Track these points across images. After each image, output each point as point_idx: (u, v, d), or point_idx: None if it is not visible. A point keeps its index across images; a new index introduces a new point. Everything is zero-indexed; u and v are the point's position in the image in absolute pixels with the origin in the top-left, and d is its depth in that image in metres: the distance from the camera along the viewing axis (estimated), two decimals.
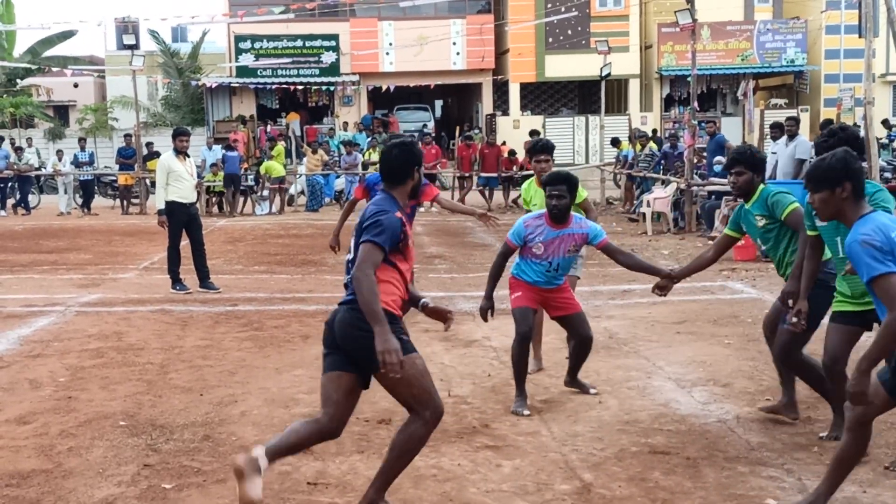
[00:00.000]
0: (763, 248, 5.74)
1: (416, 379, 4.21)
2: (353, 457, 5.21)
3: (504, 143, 26.97)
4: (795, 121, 14.55)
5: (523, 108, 33.37)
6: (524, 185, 7.61)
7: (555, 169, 6.71)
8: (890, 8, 13.55)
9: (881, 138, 23.02)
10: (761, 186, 5.63)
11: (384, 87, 33.00)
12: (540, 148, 7.34)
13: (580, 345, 6.42)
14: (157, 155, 19.63)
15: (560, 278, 6.32)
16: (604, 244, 6.18)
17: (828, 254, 5.21)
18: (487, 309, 6.18)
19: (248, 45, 32.14)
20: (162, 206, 10.96)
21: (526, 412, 6.00)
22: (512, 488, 4.74)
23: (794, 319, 5.18)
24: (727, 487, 4.71)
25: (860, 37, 13.99)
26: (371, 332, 4.01)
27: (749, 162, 5.59)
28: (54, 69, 35.57)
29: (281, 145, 24.81)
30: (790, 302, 5.29)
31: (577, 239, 6.20)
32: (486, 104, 33.54)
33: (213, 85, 32.67)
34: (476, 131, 30.47)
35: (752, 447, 5.32)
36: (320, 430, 4.27)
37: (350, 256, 4.55)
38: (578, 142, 31.96)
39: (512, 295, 6.30)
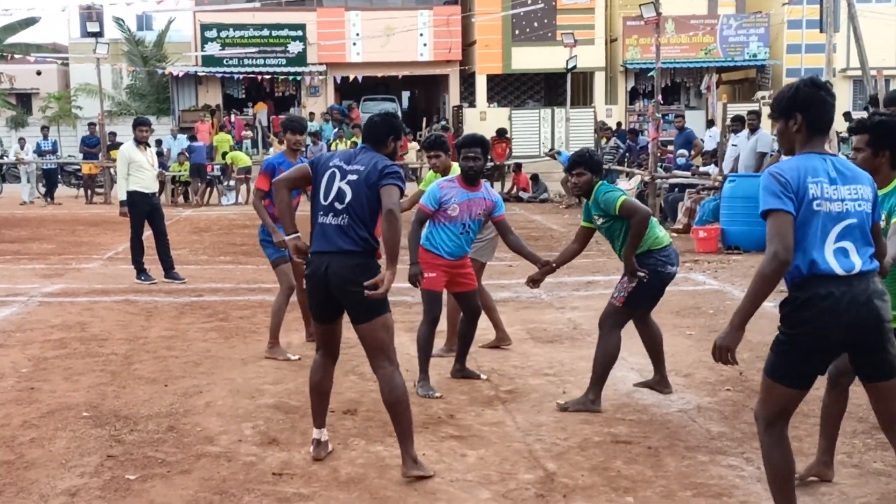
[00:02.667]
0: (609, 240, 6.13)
1: (393, 329, 4.78)
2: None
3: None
4: (757, 114, 14.70)
5: (490, 100, 33.44)
6: (426, 178, 7.78)
7: (471, 132, 7.08)
8: (850, 3, 13.75)
9: (841, 132, 23.36)
10: (598, 184, 5.97)
11: (351, 78, 32.89)
12: (430, 144, 7.46)
13: (470, 321, 6.63)
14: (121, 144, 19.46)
15: (469, 245, 6.56)
16: (502, 219, 6.53)
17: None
18: (417, 274, 6.30)
19: (214, 33, 31.89)
20: (123, 196, 10.89)
21: (437, 394, 6.19)
22: (476, 478, 4.78)
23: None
24: (688, 476, 4.78)
25: (821, 32, 14.21)
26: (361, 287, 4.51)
27: (588, 164, 5.95)
28: (17, 56, 35.03)
29: (225, 134, 24.62)
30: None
31: (487, 204, 6.48)
32: (453, 96, 33.56)
33: (179, 74, 32.38)
34: (442, 123, 30.47)
35: (713, 436, 5.40)
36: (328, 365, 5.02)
37: (333, 204, 4.71)
38: (544, 134, 32.06)
39: (425, 273, 6.38)
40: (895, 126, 4.34)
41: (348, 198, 4.65)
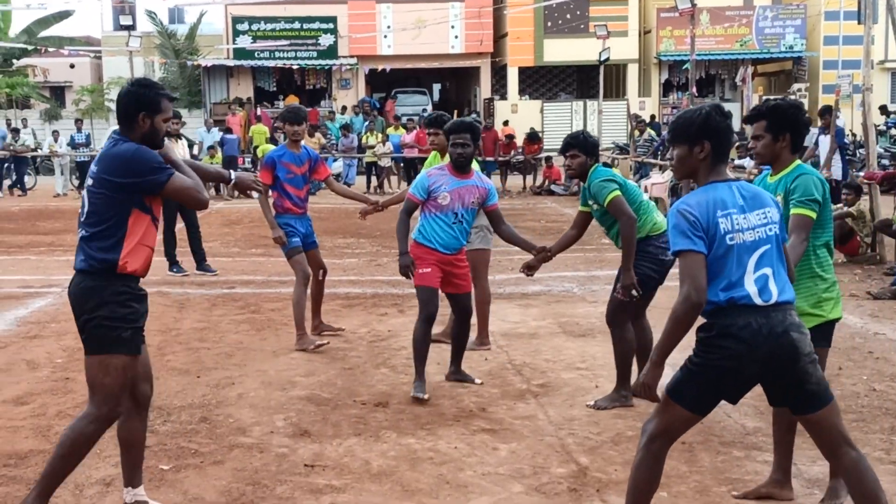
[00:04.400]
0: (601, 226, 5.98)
1: (115, 371, 3.92)
2: (351, 439, 5.23)
3: (508, 123, 26.93)
4: None
5: (521, 92, 33.29)
6: (428, 161, 7.56)
7: (460, 118, 6.75)
8: None
9: (879, 125, 23.03)
10: (594, 167, 5.84)
11: (380, 70, 32.88)
12: (431, 121, 7.37)
13: (462, 322, 6.34)
14: None
15: (464, 236, 6.25)
16: (494, 208, 6.27)
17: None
18: (408, 265, 6.03)
19: (245, 26, 32.00)
20: None
21: (424, 396, 5.90)
22: (508, 471, 4.76)
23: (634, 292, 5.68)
24: (722, 472, 4.73)
25: (859, 23, 13.94)
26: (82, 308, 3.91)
27: (582, 146, 5.82)
28: (50, 50, 35.38)
29: (262, 126, 24.65)
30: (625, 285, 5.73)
31: (480, 192, 6.20)
32: (484, 88, 33.45)
33: (210, 65, 32.55)
34: (473, 116, 30.41)
35: (748, 432, 5.34)
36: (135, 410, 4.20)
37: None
38: (576, 127, 31.83)
39: (419, 269, 6.08)
40: (790, 109, 4.24)
41: (86, 208, 3.93)
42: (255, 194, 4.97)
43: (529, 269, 6.16)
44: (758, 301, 3.47)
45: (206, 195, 4.08)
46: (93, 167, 3.96)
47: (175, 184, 3.91)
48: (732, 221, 3.49)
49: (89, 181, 3.95)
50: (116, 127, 4.04)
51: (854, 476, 3.56)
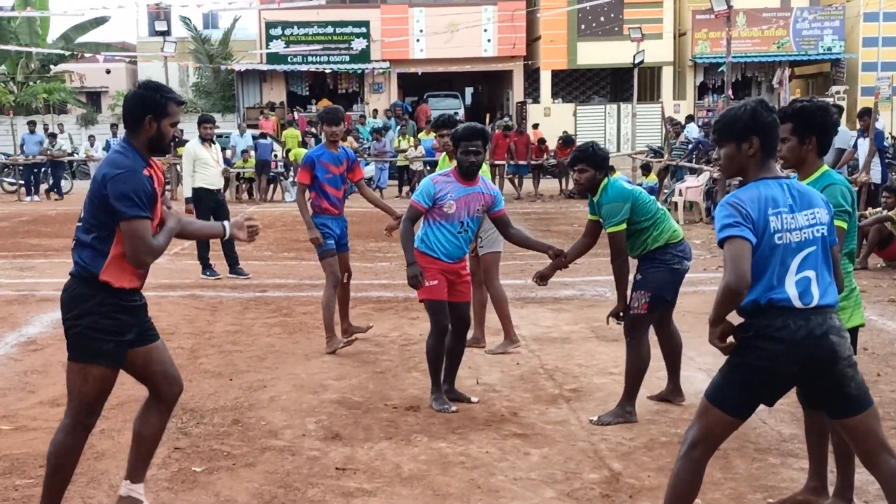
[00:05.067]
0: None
1: (94, 381, 3.89)
2: (382, 443, 5.22)
3: (538, 127, 26.88)
4: (837, 109, 14.35)
5: (554, 95, 33.18)
6: (439, 164, 7.42)
7: (470, 123, 6.42)
8: None
9: None
10: (605, 182, 5.62)
11: (412, 73, 32.93)
12: (442, 123, 7.29)
13: (459, 334, 6.03)
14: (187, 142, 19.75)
15: (467, 245, 6.03)
16: (501, 214, 6.03)
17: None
18: (417, 275, 5.75)
19: (278, 31, 32.21)
20: (189, 193, 11.05)
21: (453, 409, 5.76)
22: (540, 476, 4.72)
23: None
24: (758, 479, 4.67)
25: None
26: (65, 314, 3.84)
27: (591, 160, 5.59)
28: (87, 55, 35.85)
29: (294, 130, 24.75)
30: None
31: (486, 199, 5.95)
32: (517, 91, 33.39)
33: (243, 70, 32.81)
34: (506, 119, 30.37)
35: (784, 439, 5.27)
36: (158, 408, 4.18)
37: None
38: (610, 130, 31.75)
39: (426, 282, 5.82)
40: (817, 111, 4.11)
41: (82, 213, 3.87)
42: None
43: (542, 278, 5.89)
44: (797, 304, 3.43)
45: (150, 261, 3.83)
46: (96, 172, 3.89)
47: (133, 226, 3.71)
48: (782, 220, 3.45)
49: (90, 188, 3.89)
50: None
51: (893, 485, 3.49)
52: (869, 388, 3.60)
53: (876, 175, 12.16)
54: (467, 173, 5.87)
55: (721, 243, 3.44)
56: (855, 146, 13.81)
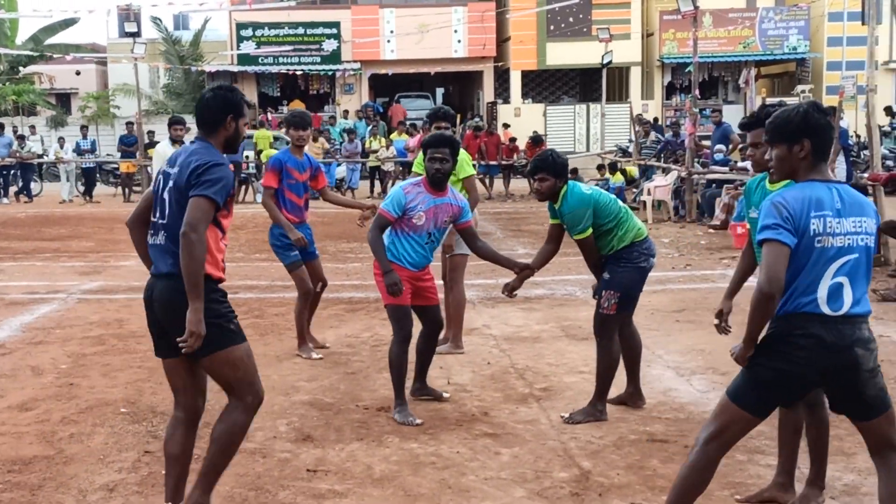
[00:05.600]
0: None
1: (241, 362, 4.00)
2: (353, 444, 5.23)
3: (508, 127, 26.97)
4: None
5: (524, 95, 33.32)
6: (419, 158, 7.20)
7: (438, 131, 6.39)
8: None
9: (883, 126, 23.00)
10: (565, 189, 5.60)
11: (383, 74, 32.93)
12: (443, 115, 7.26)
13: (430, 336, 6.05)
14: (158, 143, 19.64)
15: (432, 253, 5.99)
16: (467, 226, 6.00)
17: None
18: (397, 282, 5.65)
19: (249, 32, 32.11)
20: None
21: (418, 421, 5.59)
22: (510, 476, 4.76)
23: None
24: (725, 476, 4.72)
25: (863, 24, 13.95)
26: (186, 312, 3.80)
27: (551, 168, 5.55)
28: (56, 57, 35.49)
29: (265, 131, 24.68)
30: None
31: (454, 210, 5.92)
32: (488, 92, 33.49)
33: (214, 71, 32.66)
34: (476, 119, 30.44)
35: (751, 436, 5.27)
36: (185, 423, 4.15)
37: (157, 219, 4.03)
38: (579, 130, 31.92)
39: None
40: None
41: (167, 210, 3.94)
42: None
43: (512, 290, 5.87)
44: (826, 310, 3.44)
45: (193, 238, 3.79)
46: (175, 170, 3.92)
47: (203, 204, 3.82)
48: (825, 224, 3.43)
49: (170, 183, 3.92)
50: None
51: (890, 476, 3.59)
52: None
53: (841, 173, 12.32)
54: (434, 181, 5.83)
55: (759, 244, 3.47)
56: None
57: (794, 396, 3.63)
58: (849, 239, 3.46)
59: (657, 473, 4.75)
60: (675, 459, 4.94)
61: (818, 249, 3.44)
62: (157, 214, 4.00)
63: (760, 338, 3.58)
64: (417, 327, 5.99)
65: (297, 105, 33.01)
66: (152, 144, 22.79)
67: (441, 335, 6.54)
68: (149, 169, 22.19)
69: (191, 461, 4.18)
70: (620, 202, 5.82)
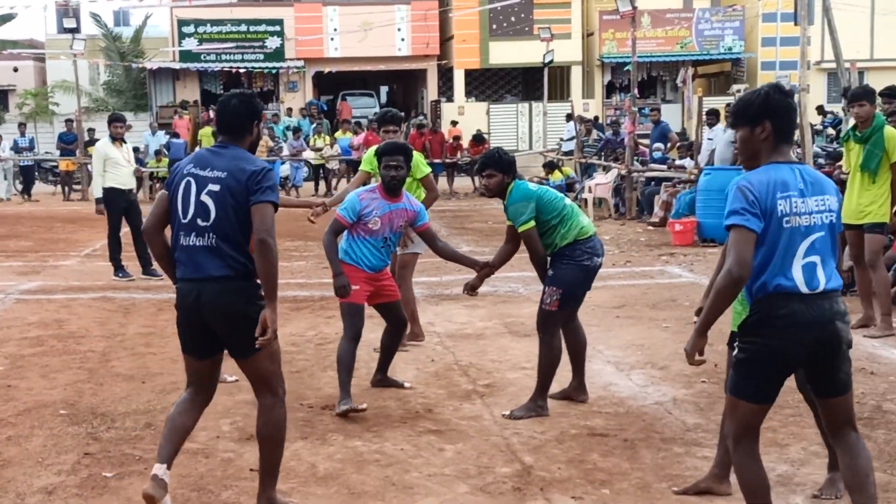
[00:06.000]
0: None
1: (277, 355, 4.24)
2: (297, 443, 5.24)
3: (456, 124, 27.06)
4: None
5: (468, 94, 33.39)
6: (366, 155, 7.48)
7: (392, 139, 6.63)
8: None
9: (816, 125, 23.52)
10: (512, 185, 5.76)
11: (327, 72, 32.75)
12: (390, 118, 7.34)
13: (394, 332, 6.27)
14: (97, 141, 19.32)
15: (389, 256, 6.22)
16: (426, 227, 6.21)
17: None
18: (345, 285, 5.82)
19: (191, 29, 31.68)
20: (99, 193, 10.88)
21: (362, 406, 5.74)
22: (454, 472, 4.81)
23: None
24: (663, 468, 4.83)
25: (795, 24, 14.30)
26: (241, 312, 4.05)
27: (498, 165, 5.74)
28: None
29: (209, 128, 24.45)
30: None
31: (409, 215, 6.13)
32: (431, 90, 33.49)
33: (155, 68, 32.21)
34: (421, 118, 30.46)
35: (688, 428, 5.46)
36: (199, 406, 4.38)
37: (186, 220, 4.10)
38: (522, 128, 32.10)
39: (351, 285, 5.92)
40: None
41: (213, 213, 4.03)
42: None
43: (472, 289, 6.07)
44: (803, 289, 3.51)
45: (270, 242, 4.01)
46: (218, 175, 4.03)
47: (269, 210, 4.04)
48: (791, 204, 3.50)
49: (214, 187, 4.02)
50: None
51: (851, 452, 3.67)
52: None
53: None
54: (389, 188, 6.02)
55: (727, 228, 3.53)
56: None
57: (785, 376, 3.66)
58: (814, 218, 3.54)
59: (597, 467, 4.84)
60: (614, 453, 5.04)
61: (787, 230, 3.51)
62: (191, 216, 4.07)
63: (740, 325, 3.64)
64: (376, 326, 6.02)
65: None
66: (92, 142, 22.38)
67: (407, 330, 6.72)
68: (89, 167, 21.84)
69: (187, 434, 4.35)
70: (567, 200, 5.92)
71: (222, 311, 4.06)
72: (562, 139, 25.23)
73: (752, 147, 3.67)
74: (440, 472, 4.80)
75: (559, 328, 5.82)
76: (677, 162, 16.43)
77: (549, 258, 5.80)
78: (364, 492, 4.55)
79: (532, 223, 5.64)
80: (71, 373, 6.76)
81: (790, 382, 5.31)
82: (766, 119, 3.59)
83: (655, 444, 5.19)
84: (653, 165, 16.87)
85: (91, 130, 23.97)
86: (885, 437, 5.20)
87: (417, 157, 7.13)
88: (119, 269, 10.87)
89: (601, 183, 17.62)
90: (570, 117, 25.07)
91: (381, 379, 6.37)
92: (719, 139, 14.12)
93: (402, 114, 7.36)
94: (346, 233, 6.04)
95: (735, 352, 3.67)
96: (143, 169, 21.47)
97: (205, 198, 4.03)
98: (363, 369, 6.49)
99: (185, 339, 4.25)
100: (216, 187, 4.02)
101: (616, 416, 5.70)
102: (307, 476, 4.75)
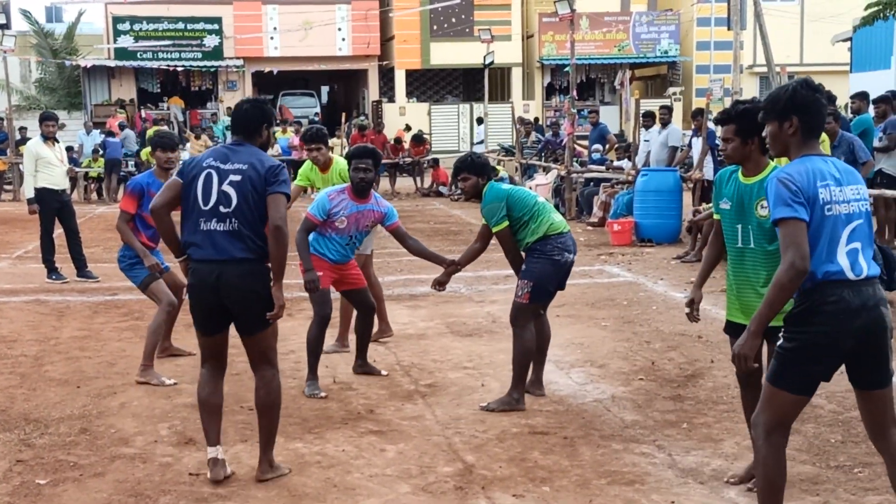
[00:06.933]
0: None
1: (277, 330, 4.73)
2: (237, 446, 5.19)
3: (408, 128, 27.09)
4: (668, 109, 15.03)
5: (409, 94, 33.41)
6: (302, 170, 7.88)
7: (362, 144, 7.01)
8: (756, 2, 14.16)
9: None
10: (487, 187, 6.00)
11: (267, 71, 32.48)
12: (315, 136, 7.57)
13: (365, 317, 6.65)
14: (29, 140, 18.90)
15: (353, 252, 6.61)
16: (396, 227, 6.50)
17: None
18: (314, 280, 6.15)
19: (126, 26, 31.16)
20: (31, 194, 10.67)
21: (322, 394, 6.13)
22: (396, 472, 4.81)
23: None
24: (602, 465, 4.89)
25: (729, 29, 14.59)
26: (258, 292, 4.48)
27: (471, 168, 6.03)
28: None
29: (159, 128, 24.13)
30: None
31: (375, 216, 6.48)
32: (373, 91, 33.43)
33: (90, 65, 31.61)
34: (362, 118, 30.39)
35: (626, 425, 5.53)
36: (217, 376, 4.79)
37: (209, 207, 4.51)
38: (463, 129, 32.20)
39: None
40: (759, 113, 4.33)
41: (234, 201, 4.45)
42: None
43: (440, 284, 6.34)
44: (850, 275, 3.53)
45: (285, 229, 4.45)
46: (240, 167, 4.46)
47: (284, 200, 4.50)
48: (831, 192, 3.53)
49: (236, 177, 4.45)
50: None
51: None
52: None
53: (709, 172, 12.78)
54: (358, 190, 6.35)
55: (776, 223, 3.51)
56: (689, 145, 14.52)
57: (831, 369, 3.65)
58: (852, 206, 3.59)
59: (538, 465, 4.88)
60: (554, 451, 5.09)
61: (830, 218, 3.53)
62: (213, 203, 4.47)
63: (786, 317, 3.62)
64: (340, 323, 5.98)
65: (177, 102, 32.31)
66: (24, 141, 21.90)
67: (374, 328, 7.06)
68: (20, 167, 21.37)
69: (222, 408, 4.77)
70: (540, 198, 6.12)
71: (241, 290, 4.46)
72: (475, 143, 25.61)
73: (780, 142, 3.71)
74: (382, 473, 4.80)
75: (531, 321, 5.95)
76: (615, 163, 16.62)
77: (524, 253, 5.96)
78: (305, 494, 4.53)
79: (505, 223, 5.85)
80: (2, 378, 6.60)
81: (730, 379, 5.39)
82: (794, 114, 3.63)
83: (594, 441, 5.25)
84: (591, 167, 17.05)
85: (23, 129, 23.43)
86: (814, 430, 5.32)
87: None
88: (52, 271, 10.66)
89: (541, 184, 17.77)
90: (480, 121, 25.37)
91: (361, 364, 6.69)
92: (655, 141, 14.30)
93: (326, 130, 7.69)
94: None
95: (780, 342, 3.64)
96: (77, 169, 21.08)
97: (227, 187, 4.45)
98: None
99: (199, 317, 4.63)
100: (238, 178, 4.45)
101: (556, 415, 5.75)
102: (247, 480, 4.71)
